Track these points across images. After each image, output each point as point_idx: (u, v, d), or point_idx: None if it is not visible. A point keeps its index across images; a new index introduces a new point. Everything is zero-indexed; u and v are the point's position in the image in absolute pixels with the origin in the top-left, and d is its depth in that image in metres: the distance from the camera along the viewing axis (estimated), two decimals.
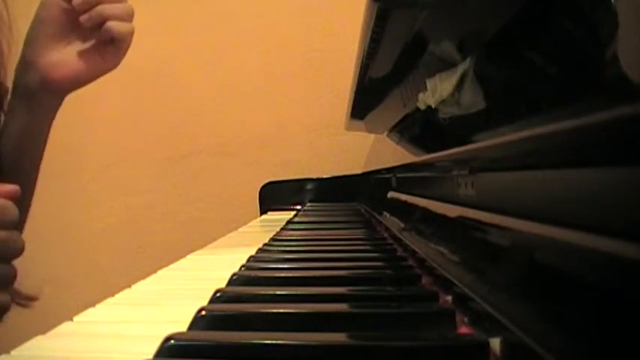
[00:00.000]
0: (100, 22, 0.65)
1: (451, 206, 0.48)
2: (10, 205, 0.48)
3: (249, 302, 0.40)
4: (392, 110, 0.68)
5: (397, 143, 0.74)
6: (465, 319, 0.34)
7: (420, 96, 0.46)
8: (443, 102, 0.42)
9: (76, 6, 0.64)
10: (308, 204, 1.34)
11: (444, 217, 0.52)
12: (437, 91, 0.42)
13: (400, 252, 0.59)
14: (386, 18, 0.41)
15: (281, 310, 0.36)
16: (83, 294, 1.48)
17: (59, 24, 0.65)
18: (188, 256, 0.66)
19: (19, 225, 0.58)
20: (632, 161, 0.20)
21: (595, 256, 0.23)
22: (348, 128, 1.16)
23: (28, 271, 0.51)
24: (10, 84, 0.66)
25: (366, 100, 0.76)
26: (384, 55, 0.51)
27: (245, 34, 1.51)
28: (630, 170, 0.21)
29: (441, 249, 0.46)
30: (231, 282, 0.46)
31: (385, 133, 0.86)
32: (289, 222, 0.95)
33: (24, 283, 0.50)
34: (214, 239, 0.82)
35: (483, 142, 0.35)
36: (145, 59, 1.43)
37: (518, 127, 0.28)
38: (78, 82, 0.67)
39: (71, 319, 0.38)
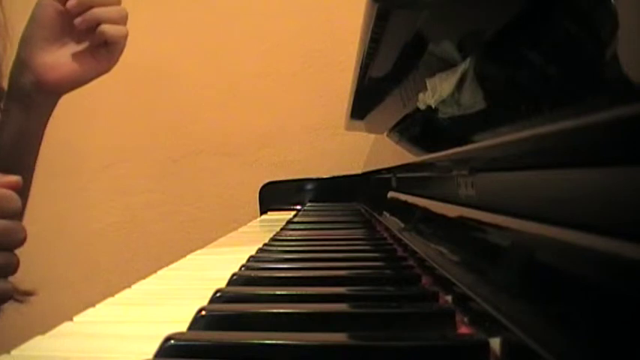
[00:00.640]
0: (94, 25, 0.65)
1: (451, 206, 0.48)
2: (12, 195, 0.49)
3: (249, 302, 0.40)
4: (392, 110, 0.68)
5: (397, 143, 0.74)
6: (465, 319, 0.34)
7: (420, 96, 0.46)
8: (443, 102, 0.42)
9: (70, 8, 0.64)
10: (308, 204, 1.34)
11: (444, 217, 0.52)
12: (437, 91, 0.42)
13: (400, 252, 0.59)
14: (386, 18, 0.41)
15: (281, 310, 0.36)
16: (83, 294, 1.48)
17: (54, 26, 0.66)
18: (188, 256, 0.66)
19: (20, 217, 0.59)
20: (632, 161, 0.20)
21: (595, 256, 0.23)
22: (348, 128, 1.16)
23: (28, 271, 0.51)
24: (5, 84, 0.66)
25: (366, 100, 0.76)
26: (384, 55, 0.51)
27: (245, 34, 1.51)
28: (630, 170, 0.21)
29: (441, 249, 0.46)
30: (231, 282, 0.46)
31: (385, 133, 0.86)
32: (289, 222, 0.95)
33: (23, 280, 0.51)
34: (214, 239, 0.82)
35: (483, 142, 0.35)
36: (145, 59, 1.43)
37: (518, 127, 0.28)
38: (72, 83, 0.68)
39: (71, 319, 0.38)
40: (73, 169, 1.55)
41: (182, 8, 1.52)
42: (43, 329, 0.34)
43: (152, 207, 1.54)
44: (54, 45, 0.65)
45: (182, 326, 0.34)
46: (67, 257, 1.56)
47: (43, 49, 0.65)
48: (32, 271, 0.54)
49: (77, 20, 0.64)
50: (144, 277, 0.52)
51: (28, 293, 0.64)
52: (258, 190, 1.36)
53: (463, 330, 0.33)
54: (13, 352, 0.31)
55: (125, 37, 0.67)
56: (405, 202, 0.74)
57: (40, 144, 0.70)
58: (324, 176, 1.38)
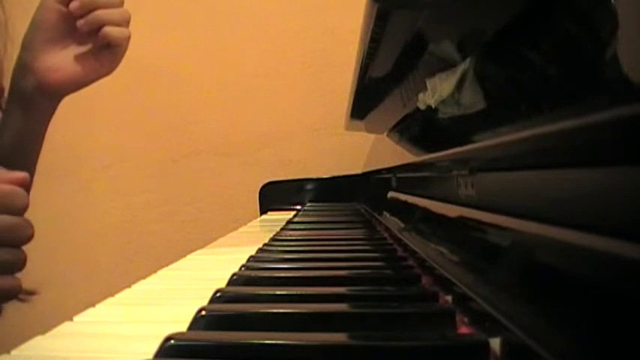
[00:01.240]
0: (97, 27, 0.65)
1: (451, 206, 0.48)
2: (20, 191, 0.49)
3: (249, 302, 0.40)
4: (392, 110, 0.68)
5: (397, 143, 0.74)
6: (465, 319, 0.34)
7: (420, 96, 0.46)
8: (443, 102, 0.42)
9: (73, 10, 0.64)
10: (308, 204, 1.34)
11: (444, 217, 0.52)
12: (437, 91, 0.42)
13: (400, 252, 0.59)
14: (386, 18, 0.41)
15: (281, 310, 0.36)
16: (83, 294, 1.48)
17: (56, 28, 0.66)
18: (188, 256, 0.66)
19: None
20: (632, 161, 0.20)
21: (595, 256, 0.23)
22: (348, 128, 1.16)
23: (28, 271, 0.51)
24: (6, 84, 0.66)
25: (366, 100, 0.76)
26: (384, 55, 0.51)
27: (245, 34, 1.51)
28: (630, 170, 0.21)
29: (441, 249, 0.46)
30: (231, 282, 0.46)
31: (385, 133, 0.86)
32: (289, 222, 0.95)
33: (24, 280, 0.51)
34: (214, 239, 0.82)
35: (483, 142, 0.35)
36: (145, 59, 1.43)
37: (518, 127, 0.28)
38: (74, 86, 0.68)
39: (71, 319, 0.38)
40: (73, 169, 1.55)
41: (182, 8, 1.52)
42: (43, 329, 0.34)
43: (152, 207, 1.54)
44: (56, 47, 0.66)
45: (182, 326, 0.34)
46: (67, 257, 1.56)
47: (44, 52, 0.65)
48: (32, 271, 0.54)
49: (80, 22, 0.64)
50: (144, 277, 0.52)
51: (30, 292, 0.64)
52: (258, 190, 1.36)
53: (463, 330, 0.33)
54: (13, 352, 0.31)
55: (128, 39, 0.67)
56: (405, 202, 0.74)
57: (40, 146, 0.71)
58: (324, 176, 1.38)
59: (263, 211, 1.33)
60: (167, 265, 0.59)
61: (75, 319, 0.38)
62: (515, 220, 0.33)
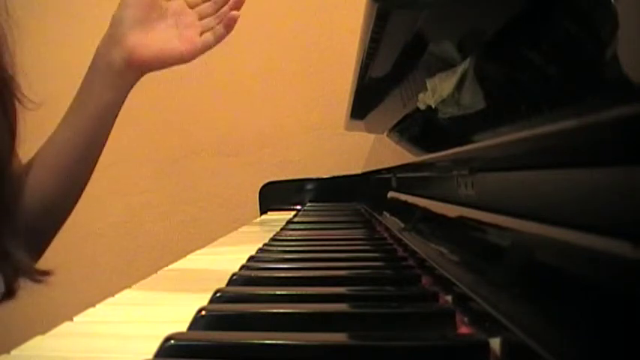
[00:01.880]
0: (225, 19, 0.75)
1: (451, 206, 0.48)
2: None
3: (249, 302, 0.40)
4: (392, 110, 0.68)
5: (397, 143, 0.74)
6: (465, 319, 0.34)
7: (420, 96, 0.46)
8: (443, 102, 0.42)
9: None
10: (308, 204, 1.34)
11: (444, 217, 0.52)
12: (437, 91, 0.42)
13: (400, 252, 0.59)
14: (386, 18, 0.41)
15: (281, 310, 0.36)
16: (83, 294, 1.48)
17: (146, 7, 0.70)
18: (188, 256, 0.66)
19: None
20: (632, 161, 0.20)
21: (595, 256, 0.23)
22: (348, 128, 1.16)
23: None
24: (10, 71, 0.66)
25: (366, 100, 0.76)
26: (384, 55, 0.51)
27: (245, 34, 1.50)
28: (630, 170, 0.21)
29: (441, 249, 0.46)
30: (231, 282, 0.46)
31: (385, 133, 0.86)
32: (289, 222, 0.95)
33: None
34: (214, 239, 0.82)
35: (483, 142, 0.35)
36: None
37: (518, 127, 0.28)
38: (159, 64, 0.72)
39: (71, 319, 0.38)
40: None
41: None
42: (43, 329, 0.34)
43: (152, 207, 1.54)
44: (145, 26, 0.70)
45: (182, 326, 0.34)
46: (67, 257, 1.55)
47: (134, 29, 0.69)
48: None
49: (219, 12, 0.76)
50: (144, 277, 0.52)
51: (45, 273, 0.65)
52: (258, 190, 1.36)
53: (463, 330, 0.33)
54: (13, 352, 0.31)
55: (221, 38, 0.75)
56: (405, 202, 0.74)
57: (112, 125, 0.74)
58: (324, 176, 1.38)
59: (263, 211, 1.33)
60: (167, 265, 0.59)
61: (75, 319, 0.38)
62: (515, 220, 0.33)
